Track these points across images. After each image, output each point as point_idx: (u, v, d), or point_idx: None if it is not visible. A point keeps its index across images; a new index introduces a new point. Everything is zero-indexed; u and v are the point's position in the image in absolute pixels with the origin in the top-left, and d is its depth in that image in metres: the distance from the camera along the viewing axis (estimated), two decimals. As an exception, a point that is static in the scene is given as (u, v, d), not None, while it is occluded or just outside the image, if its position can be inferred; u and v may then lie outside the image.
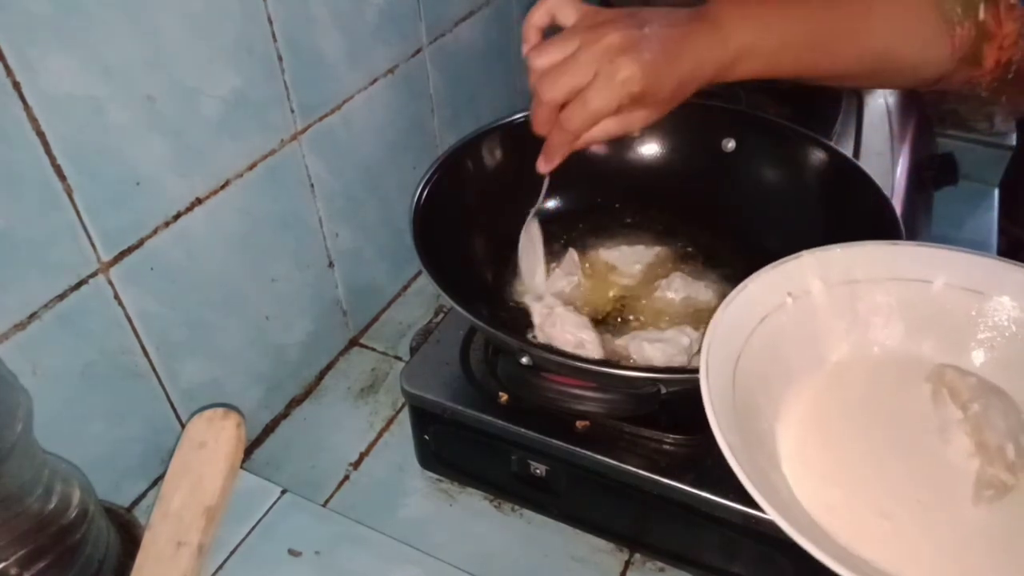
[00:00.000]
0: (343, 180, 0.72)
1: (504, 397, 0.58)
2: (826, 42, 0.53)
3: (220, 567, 0.54)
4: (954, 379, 0.44)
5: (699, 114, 0.68)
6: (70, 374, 0.53)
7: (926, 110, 0.98)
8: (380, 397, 0.74)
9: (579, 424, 0.56)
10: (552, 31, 0.52)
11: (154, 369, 0.59)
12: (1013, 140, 1.03)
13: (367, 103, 0.72)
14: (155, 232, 0.55)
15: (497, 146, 0.70)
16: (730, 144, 0.70)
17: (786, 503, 0.38)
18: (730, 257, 0.69)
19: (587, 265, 0.70)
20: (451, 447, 0.64)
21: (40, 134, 0.46)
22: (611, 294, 0.67)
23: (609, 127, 0.52)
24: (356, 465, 0.68)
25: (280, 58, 0.60)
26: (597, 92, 0.48)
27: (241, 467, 0.59)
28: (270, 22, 0.58)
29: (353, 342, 0.80)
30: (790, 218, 0.66)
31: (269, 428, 0.72)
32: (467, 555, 0.58)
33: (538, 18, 0.52)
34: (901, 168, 0.83)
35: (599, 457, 0.54)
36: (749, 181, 0.70)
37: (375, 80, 0.72)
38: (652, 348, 0.59)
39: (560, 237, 0.71)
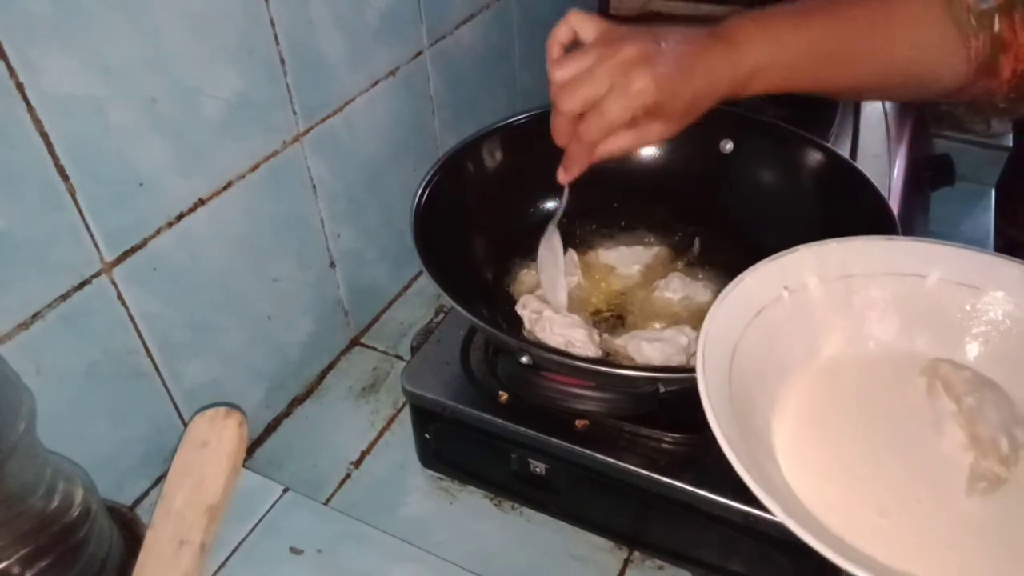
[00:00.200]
0: (345, 181, 0.72)
1: (504, 396, 0.59)
2: (843, 57, 0.53)
3: (222, 565, 0.54)
4: (949, 373, 0.45)
5: (698, 115, 0.69)
6: (73, 374, 0.53)
7: (923, 112, 0.98)
8: (381, 396, 0.75)
9: (579, 423, 0.56)
10: (574, 47, 0.53)
11: (157, 369, 0.59)
12: (1009, 141, 1.04)
13: (368, 105, 0.72)
14: (158, 232, 0.55)
15: (497, 148, 0.70)
16: (728, 146, 0.71)
17: (785, 498, 0.38)
18: (728, 258, 0.69)
19: (586, 265, 0.70)
20: (452, 446, 0.64)
21: (43, 135, 0.46)
22: (610, 294, 0.68)
23: (625, 140, 0.53)
24: (357, 464, 0.68)
25: (283, 60, 0.61)
26: (612, 102, 0.49)
27: (243, 466, 0.59)
28: (272, 24, 0.59)
29: (354, 342, 0.81)
30: (788, 219, 0.66)
31: (271, 427, 0.72)
32: (467, 553, 0.59)
33: (561, 34, 0.53)
34: (898, 169, 0.83)
35: (599, 456, 0.55)
36: (747, 182, 0.71)
37: (376, 82, 0.73)
38: (651, 347, 0.59)
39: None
